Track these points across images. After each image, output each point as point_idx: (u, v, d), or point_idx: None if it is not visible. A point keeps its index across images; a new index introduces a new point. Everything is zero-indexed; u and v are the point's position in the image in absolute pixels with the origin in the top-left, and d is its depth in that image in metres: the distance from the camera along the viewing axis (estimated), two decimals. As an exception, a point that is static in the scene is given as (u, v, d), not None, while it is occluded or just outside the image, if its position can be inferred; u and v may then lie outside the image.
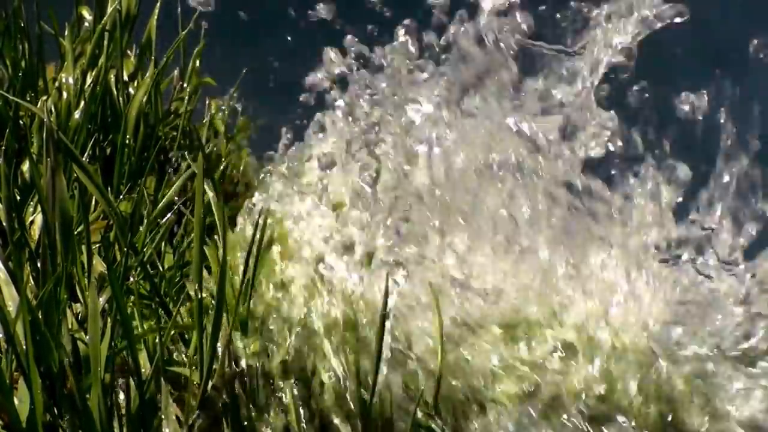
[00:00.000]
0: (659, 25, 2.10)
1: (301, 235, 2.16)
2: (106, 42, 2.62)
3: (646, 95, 2.21)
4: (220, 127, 2.81)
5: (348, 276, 2.04)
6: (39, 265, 1.88)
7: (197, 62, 2.85)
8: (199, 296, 1.78)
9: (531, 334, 1.99)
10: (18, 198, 2.18)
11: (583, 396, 1.91)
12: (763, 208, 2.13)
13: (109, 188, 2.38)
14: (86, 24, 2.78)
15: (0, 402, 1.63)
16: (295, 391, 1.89)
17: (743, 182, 2.14)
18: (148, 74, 2.65)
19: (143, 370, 1.76)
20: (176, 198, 2.25)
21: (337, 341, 1.95)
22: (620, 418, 1.90)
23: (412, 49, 2.25)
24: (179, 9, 2.77)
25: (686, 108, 2.17)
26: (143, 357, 1.83)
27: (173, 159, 2.49)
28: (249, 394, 1.84)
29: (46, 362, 1.68)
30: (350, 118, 2.25)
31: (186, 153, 2.55)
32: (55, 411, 1.67)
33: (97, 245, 2.12)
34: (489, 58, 2.11)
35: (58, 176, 1.81)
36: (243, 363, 1.88)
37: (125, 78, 2.64)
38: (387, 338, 1.85)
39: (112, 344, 1.77)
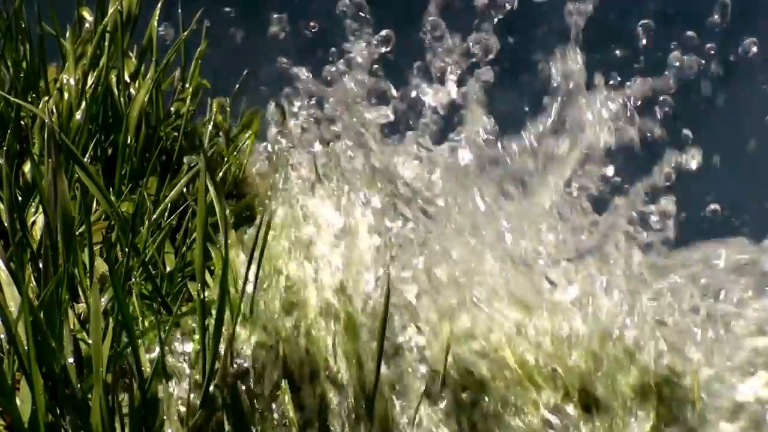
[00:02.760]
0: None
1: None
2: (107, 43, 2.62)
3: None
4: (222, 127, 2.81)
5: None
6: (40, 265, 1.88)
7: (199, 62, 2.85)
8: (202, 296, 1.78)
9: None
10: (19, 199, 2.18)
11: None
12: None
13: (110, 189, 2.38)
14: (87, 25, 2.78)
15: (2, 403, 1.63)
16: (296, 391, 1.89)
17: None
18: (149, 75, 2.65)
19: (145, 370, 1.76)
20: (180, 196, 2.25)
21: (338, 338, 1.95)
22: None
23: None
24: (180, 9, 2.77)
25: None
26: (145, 357, 1.82)
27: (186, 164, 2.48)
28: (251, 393, 1.84)
29: (47, 363, 1.68)
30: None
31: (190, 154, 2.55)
32: (57, 411, 1.67)
33: (99, 246, 2.12)
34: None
35: (60, 177, 1.81)
36: (245, 362, 1.88)
37: (126, 78, 2.64)
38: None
39: (114, 344, 1.77)
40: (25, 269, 1.94)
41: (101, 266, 2.03)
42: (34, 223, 2.15)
